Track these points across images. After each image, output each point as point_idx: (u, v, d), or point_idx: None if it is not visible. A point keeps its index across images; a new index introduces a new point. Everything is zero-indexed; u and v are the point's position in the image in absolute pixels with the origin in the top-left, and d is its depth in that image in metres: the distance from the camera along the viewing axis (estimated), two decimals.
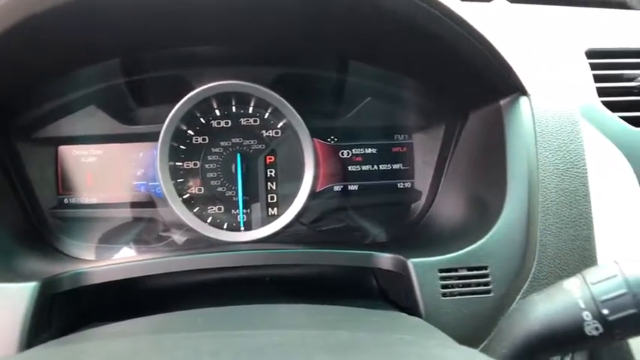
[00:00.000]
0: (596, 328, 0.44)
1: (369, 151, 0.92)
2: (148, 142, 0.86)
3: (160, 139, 0.82)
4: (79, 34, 0.67)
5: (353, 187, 0.92)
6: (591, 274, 0.47)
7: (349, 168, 0.92)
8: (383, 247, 0.77)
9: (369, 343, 0.44)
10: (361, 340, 0.44)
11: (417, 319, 0.61)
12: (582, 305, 0.45)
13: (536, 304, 0.48)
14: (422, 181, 0.92)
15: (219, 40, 0.77)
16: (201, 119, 0.87)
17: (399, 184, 0.93)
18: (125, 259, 0.76)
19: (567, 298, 0.46)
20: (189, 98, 0.81)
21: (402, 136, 0.93)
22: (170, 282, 0.84)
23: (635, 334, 0.45)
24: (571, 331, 0.45)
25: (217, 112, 0.87)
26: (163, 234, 0.90)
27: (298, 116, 0.83)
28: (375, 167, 0.93)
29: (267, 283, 0.83)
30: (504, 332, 0.49)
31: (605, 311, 0.44)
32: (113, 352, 0.43)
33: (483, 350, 0.54)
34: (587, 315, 0.45)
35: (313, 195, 0.88)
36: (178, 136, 0.85)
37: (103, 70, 0.81)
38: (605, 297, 0.44)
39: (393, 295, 0.77)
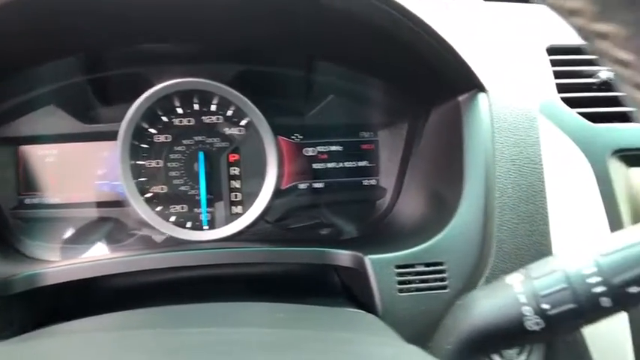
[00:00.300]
0: (537, 323, 0.45)
1: (334, 148, 0.92)
2: (109, 140, 0.85)
3: (120, 138, 0.81)
4: (39, 30, 0.67)
5: (318, 185, 0.92)
6: (533, 268, 0.48)
7: (314, 166, 0.92)
8: (345, 244, 0.77)
9: (311, 341, 0.44)
10: (303, 338, 0.44)
11: (370, 316, 0.61)
12: (523, 300, 0.45)
13: (479, 299, 0.48)
14: (387, 179, 0.92)
15: (181, 37, 0.77)
16: (164, 118, 0.86)
17: (364, 182, 0.93)
18: (82, 260, 0.76)
19: (509, 293, 0.46)
20: (146, 96, 0.80)
21: (368, 133, 0.93)
22: (134, 281, 0.83)
23: (576, 328, 0.46)
24: (512, 326, 0.45)
25: (180, 111, 0.86)
26: (130, 233, 0.89)
27: (260, 113, 0.83)
28: (341, 165, 0.92)
29: (231, 282, 0.82)
30: (448, 328, 0.49)
31: (546, 306, 0.45)
32: (68, 347, 0.44)
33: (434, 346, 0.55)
34: (527, 310, 0.45)
35: (278, 193, 0.88)
36: (140, 134, 0.85)
37: (63, 67, 0.80)
38: (545, 292, 0.45)
39: (355, 292, 0.77)
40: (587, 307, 0.44)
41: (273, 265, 0.83)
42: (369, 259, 0.67)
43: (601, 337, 0.69)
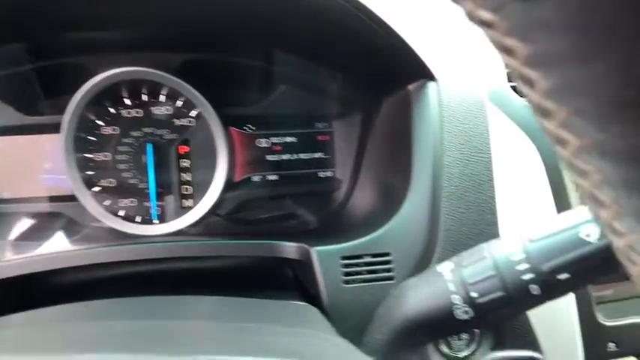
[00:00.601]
0: (466, 312, 0.44)
1: (288, 139, 0.90)
2: (54, 133, 0.83)
3: (63, 130, 0.79)
4: None
5: (272, 177, 0.90)
6: (464, 256, 0.47)
7: (268, 157, 0.90)
8: (296, 237, 0.75)
9: (237, 333, 0.42)
10: (226, 330, 0.43)
11: (309, 308, 0.60)
12: (452, 288, 0.44)
13: (410, 288, 0.47)
14: (343, 170, 0.91)
15: (126, 23, 0.74)
16: (111, 109, 0.84)
17: (320, 174, 0.92)
18: (25, 256, 0.73)
19: (439, 282, 0.45)
20: (89, 87, 0.77)
21: (323, 124, 0.92)
22: (81, 276, 0.81)
23: (506, 317, 0.45)
24: (443, 315, 0.45)
25: (128, 102, 0.84)
26: (83, 228, 0.87)
27: (208, 104, 0.81)
28: (296, 156, 0.91)
29: (182, 276, 0.80)
30: (381, 318, 0.48)
31: (474, 294, 0.44)
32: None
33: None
34: (456, 298, 0.44)
35: (230, 186, 0.86)
36: (86, 126, 0.82)
37: (2, 56, 0.77)
38: (473, 280, 0.44)
39: (305, 284, 0.76)
40: (516, 295, 0.43)
41: (225, 259, 0.81)
42: (314, 251, 0.66)
43: (549, 324, 0.68)
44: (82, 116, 0.80)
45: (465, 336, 0.67)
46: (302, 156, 0.91)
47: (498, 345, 0.69)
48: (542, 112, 0.19)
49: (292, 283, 0.82)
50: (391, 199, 0.72)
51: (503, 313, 0.44)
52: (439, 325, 0.45)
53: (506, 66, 0.19)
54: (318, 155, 0.91)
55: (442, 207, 0.67)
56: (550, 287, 0.42)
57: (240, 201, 0.88)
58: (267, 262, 0.85)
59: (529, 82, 0.18)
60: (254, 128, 0.89)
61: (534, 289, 0.42)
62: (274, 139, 0.90)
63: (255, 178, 0.89)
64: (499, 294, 0.43)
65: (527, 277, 0.42)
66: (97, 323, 0.49)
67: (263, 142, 0.90)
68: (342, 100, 0.89)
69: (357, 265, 0.66)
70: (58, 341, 0.42)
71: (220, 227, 0.87)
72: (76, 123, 0.79)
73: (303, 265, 0.69)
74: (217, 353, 0.34)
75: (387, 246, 0.66)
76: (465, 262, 0.46)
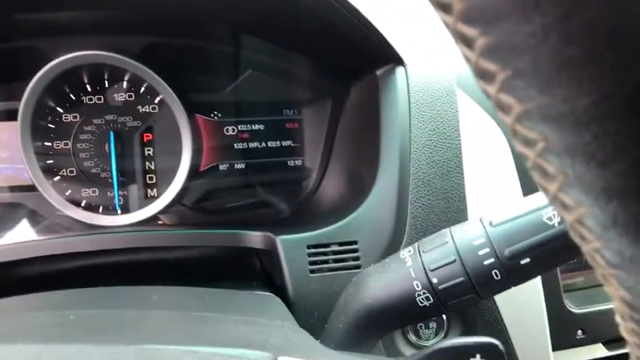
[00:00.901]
0: (427, 298, 0.43)
1: (256, 127, 0.88)
2: (11, 121, 0.80)
3: (19, 117, 0.75)
4: None
5: (240, 166, 0.88)
6: (426, 242, 0.45)
7: (235, 145, 0.88)
8: (263, 226, 0.74)
9: (193, 323, 0.41)
10: (184, 320, 0.41)
11: (275, 299, 0.58)
12: (413, 275, 0.43)
13: (371, 275, 0.46)
14: (312, 158, 0.89)
15: (86, 4, 0.71)
16: (71, 95, 0.81)
17: (289, 162, 0.90)
18: None
19: (400, 268, 0.44)
20: (45, 71, 0.74)
21: (291, 111, 0.90)
22: (43, 268, 0.78)
23: (468, 303, 0.44)
24: (404, 301, 0.43)
25: (89, 88, 0.81)
26: (40, 219, 0.84)
27: (170, 90, 0.78)
28: (264, 144, 0.89)
29: (147, 267, 0.78)
30: (341, 306, 0.46)
31: (435, 280, 0.42)
32: None
33: None
34: (417, 284, 0.43)
35: (196, 175, 0.84)
36: (44, 113, 0.79)
37: None
38: (434, 265, 0.43)
39: (272, 274, 0.74)
40: (478, 281, 0.42)
41: (190, 249, 0.79)
42: (279, 240, 0.64)
43: (517, 311, 0.68)
44: (39, 103, 0.77)
45: (432, 324, 0.67)
46: (270, 144, 0.89)
47: (467, 333, 0.68)
48: (483, 74, 0.17)
49: (259, 273, 0.80)
50: (359, 187, 0.71)
51: (466, 299, 0.43)
52: (400, 312, 0.43)
53: (443, 23, 0.17)
54: (286, 143, 0.90)
55: (410, 194, 0.66)
56: (512, 272, 0.41)
57: (206, 190, 0.86)
58: (234, 252, 0.83)
59: (467, 41, 0.17)
60: (220, 115, 0.87)
61: (496, 274, 0.41)
62: (241, 127, 0.88)
63: (222, 167, 0.87)
64: (460, 280, 0.42)
65: (489, 262, 0.41)
66: (48, 313, 0.47)
67: (230, 130, 0.87)
68: (311, 86, 0.88)
69: (323, 254, 0.65)
70: (10, 331, 0.40)
71: (186, 217, 0.85)
72: (33, 110, 0.76)
73: (269, 254, 0.67)
74: (166, 342, 0.33)
75: (354, 234, 0.65)
76: (426, 247, 0.44)
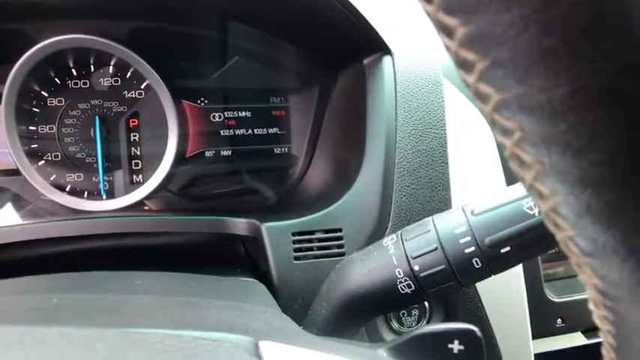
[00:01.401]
0: (409, 285, 0.43)
1: (242, 114, 0.88)
2: None
3: (4, 100, 0.74)
4: None
5: (226, 153, 0.88)
6: (409, 230, 0.46)
7: (222, 132, 0.87)
8: (249, 214, 0.74)
9: (175, 307, 0.41)
10: (167, 304, 0.41)
11: (259, 285, 0.58)
12: (395, 262, 0.44)
13: (354, 263, 0.46)
14: (299, 146, 0.89)
15: None
16: (57, 79, 0.80)
17: (275, 150, 0.90)
18: None
19: (383, 255, 0.45)
20: (29, 55, 0.73)
21: (278, 98, 0.90)
22: (25, 253, 0.78)
23: (449, 291, 0.44)
24: (386, 288, 0.44)
25: (74, 72, 0.80)
26: (25, 203, 0.83)
27: (157, 75, 0.77)
28: (250, 132, 0.89)
29: (133, 253, 0.78)
30: (324, 293, 0.47)
31: (417, 267, 0.43)
32: None
33: None
34: (399, 272, 0.43)
35: (182, 161, 0.84)
36: (29, 97, 0.78)
37: None
38: (416, 253, 0.43)
39: (257, 261, 0.74)
40: (459, 269, 0.42)
41: (176, 236, 0.79)
42: (264, 227, 0.65)
43: (499, 300, 0.69)
44: (24, 86, 0.76)
45: (415, 311, 0.67)
46: (257, 131, 0.89)
47: (448, 320, 0.69)
48: (462, 64, 0.18)
49: (244, 260, 0.80)
50: (345, 175, 0.71)
51: (447, 286, 0.43)
52: (382, 299, 0.44)
53: (425, 13, 0.18)
54: (273, 131, 0.90)
55: (395, 183, 0.67)
56: (493, 261, 0.42)
57: (192, 176, 0.86)
58: (219, 239, 0.83)
59: (447, 30, 0.17)
60: (207, 102, 0.86)
61: (477, 262, 0.42)
62: (228, 114, 0.88)
63: (208, 153, 0.87)
64: (442, 267, 0.42)
65: (470, 250, 0.42)
66: (31, 297, 0.47)
67: (217, 117, 0.87)
68: (298, 74, 0.88)
69: (308, 241, 0.65)
70: None
71: (172, 203, 0.85)
72: (18, 93, 0.75)
73: (254, 241, 0.67)
74: (149, 326, 0.33)
75: (339, 222, 0.66)
76: (409, 235, 0.45)
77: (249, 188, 0.89)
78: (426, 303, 0.68)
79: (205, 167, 0.87)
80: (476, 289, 0.67)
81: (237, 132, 0.88)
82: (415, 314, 0.67)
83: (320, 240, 0.66)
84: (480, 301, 0.68)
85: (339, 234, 0.65)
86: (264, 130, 0.89)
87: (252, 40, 0.81)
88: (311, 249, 0.65)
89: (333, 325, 0.46)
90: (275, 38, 0.80)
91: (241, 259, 0.80)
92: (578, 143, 0.17)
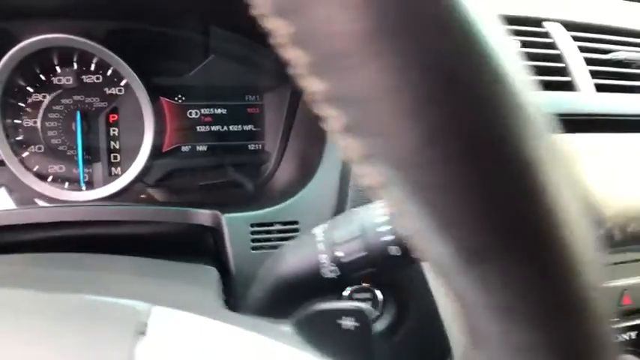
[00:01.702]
0: (332, 270, 0.47)
1: (218, 111, 0.92)
2: None
3: None
4: None
5: (202, 148, 0.92)
6: (338, 219, 0.49)
7: (198, 128, 0.91)
8: (212, 206, 0.77)
9: (118, 282, 0.45)
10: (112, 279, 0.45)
11: (212, 271, 0.62)
12: (322, 248, 0.47)
13: (287, 249, 0.50)
14: (272, 142, 0.93)
15: None
16: (42, 76, 0.85)
17: (249, 146, 0.94)
18: None
19: (311, 243, 0.48)
20: (12, 54, 0.77)
21: (253, 96, 0.93)
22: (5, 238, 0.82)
23: (372, 276, 0.48)
24: (311, 273, 0.47)
25: (58, 69, 0.85)
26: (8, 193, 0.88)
27: (133, 73, 0.81)
28: (226, 128, 0.93)
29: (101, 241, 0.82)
30: (260, 278, 0.51)
31: (340, 254, 0.47)
32: None
33: None
34: (324, 257, 0.47)
35: (159, 155, 0.88)
36: (15, 92, 0.83)
37: None
38: (341, 240, 0.47)
39: (219, 250, 0.78)
40: (377, 256, 0.46)
41: (148, 225, 0.83)
42: (225, 218, 0.68)
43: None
44: (9, 82, 0.81)
45: (367, 305, 0.71)
46: (232, 128, 0.93)
47: (400, 314, 0.73)
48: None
49: (212, 250, 0.84)
50: (307, 170, 0.75)
51: (368, 272, 0.47)
52: (308, 283, 0.48)
53: None
54: (248, 127, 0.93)
55: (352, 178, 0.70)
56: (409, 248, 0.45)
57: (169, 170, 0.90)
58: (189, 230, 0.87)
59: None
60: (184, 99, 0.90)
61: (393, 250, 0.45)
62: (205, 111, 0.91)
63: (185, 148, 0.91)
64: (362, 254, 0.46)
65: (388, 238, 0.45)
66: None
67: (193, 113, 0.91)
68: (272, 73, 0.91)
69: (266, 232, 0.69)
70: None
71: (149, 195, 0.89)
72: (3, 89, 0.80)
73: (216, 231, 0.71)
74: (74, 292, 0.36)
75: (296, 215, 0.69)
76: (338, 224, 0.48)
77: (224, 182, 0.92)
78: (380, 296, 0.71)
79: (181, 161, 0.91)
80: (427, 283, 0.70)
81: (213, 128, 0.92)
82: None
83: (278, 232, 0.69)
84: (431, 295, 0.70)
85: (295, 226, 0.69)
86: (239, 126, 0.93)
87: (229, 41, 0.85)
88: (269, 240, 0.69)
89: (265, 309, 0.49)
90: (252, 41, 0.83)
91: (209, 249, 0.84)
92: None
